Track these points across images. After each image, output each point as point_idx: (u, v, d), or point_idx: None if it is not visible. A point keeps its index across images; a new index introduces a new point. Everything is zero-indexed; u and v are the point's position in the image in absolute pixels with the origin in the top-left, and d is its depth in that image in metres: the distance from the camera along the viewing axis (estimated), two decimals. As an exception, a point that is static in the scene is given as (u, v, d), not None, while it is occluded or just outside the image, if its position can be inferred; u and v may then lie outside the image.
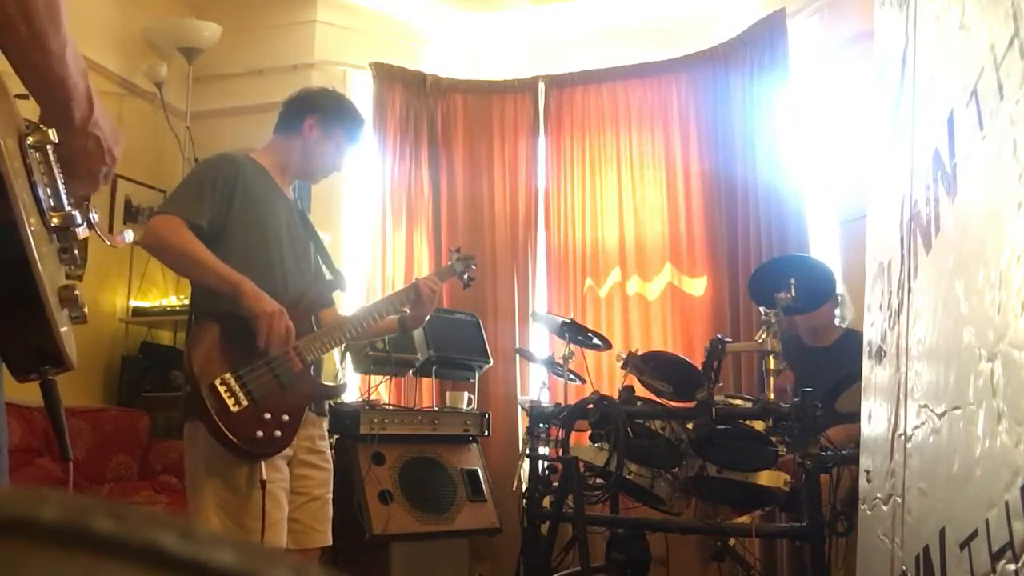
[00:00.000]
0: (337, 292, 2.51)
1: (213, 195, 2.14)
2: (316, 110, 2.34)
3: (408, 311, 2.48)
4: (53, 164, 0.98)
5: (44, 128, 0.96)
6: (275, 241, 2.24)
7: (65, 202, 1.01)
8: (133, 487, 3.77)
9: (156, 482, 3.83)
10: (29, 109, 0.99)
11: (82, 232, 1.05)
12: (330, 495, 2.32)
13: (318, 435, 2.31)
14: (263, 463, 2.05)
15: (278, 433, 2.07)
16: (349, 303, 3.89)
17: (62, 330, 0.96)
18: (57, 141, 0.97)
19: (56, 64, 0.95)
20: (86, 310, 1.02)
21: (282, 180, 2.36)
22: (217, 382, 2.01)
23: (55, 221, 0.98)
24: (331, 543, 2.33)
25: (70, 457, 1.07)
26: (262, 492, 2.02)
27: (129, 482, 3.85)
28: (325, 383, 2.32)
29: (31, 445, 3.45)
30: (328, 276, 2.43)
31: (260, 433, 2.03)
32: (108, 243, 1.20)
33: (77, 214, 1.02)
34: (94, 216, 1.10)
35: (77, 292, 0.99)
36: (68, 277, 1.05)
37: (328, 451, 2.35)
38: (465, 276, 2.70)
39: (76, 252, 1.04)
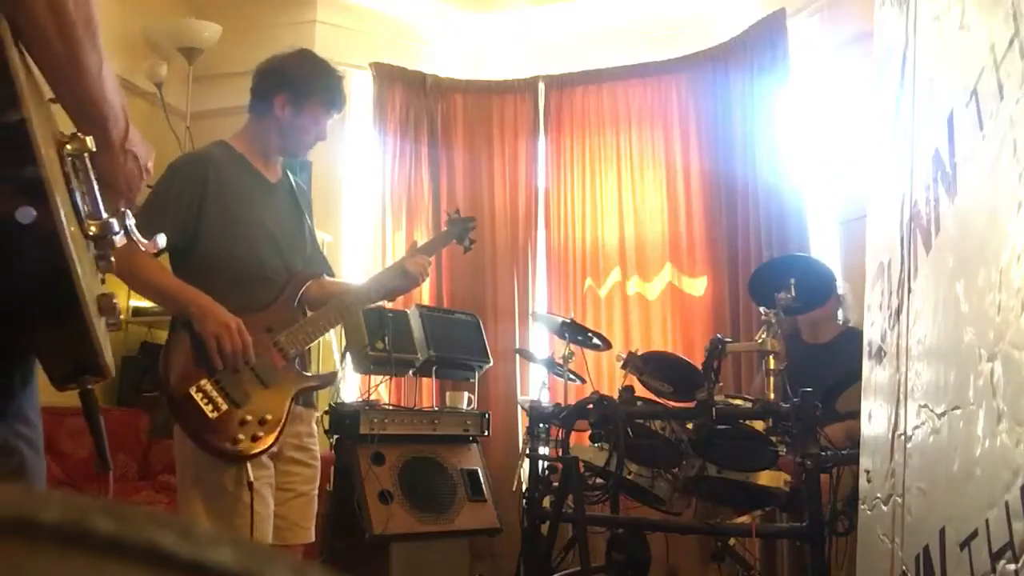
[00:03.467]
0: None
1: (177, 207, 2.06)
2: (285, 87, 2.20)
3: (396, 284, 2.38)
4: (90, 172, 0.97)
5: (82, 137, 0.95)
6: (253, 236, 2.17)
7: (102, 210, 1.00)
8: (133, 487, 3.77)
9: (156, 482, 3.83)
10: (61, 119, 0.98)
11: (119, 240, 1.03)
12: (315, 492, 2.28)
13: (305, 432, 2.26)
14: (248, 464, 2.02)
15: (260, 434, 2.04)
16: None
17: (102, 338, 0.96)
18: (93, 149, 0.96)
19: (92, 81, 0.95)
20: (122, 317, 1.02)
21: (264, 163, 2.26)
22: (192, 390, 1.98)
23: (93, 229, 0.97)
24: (314, 540, 2.29)
25: (110, 469, 1.07)
26: (250, 493, 2.00)
27: (129, 482, 3.85)
28: (310, 375, 2.24)
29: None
30: (316, 260, 2.37)
31: (241, 436, 2.00)
32: (144, 249, 1.20)
33: (114, 222, 1.01)
34: (130, 223, 1.08)
35: (116, 300, 0.99)
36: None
37: (316, 448, 2.30)
38: (466, 241, 2.57)
39: (112, 260, 1.03)
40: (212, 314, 2.01)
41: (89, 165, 0.97)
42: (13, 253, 0.87)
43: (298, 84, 2.21)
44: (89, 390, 0.99)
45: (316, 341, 2.25)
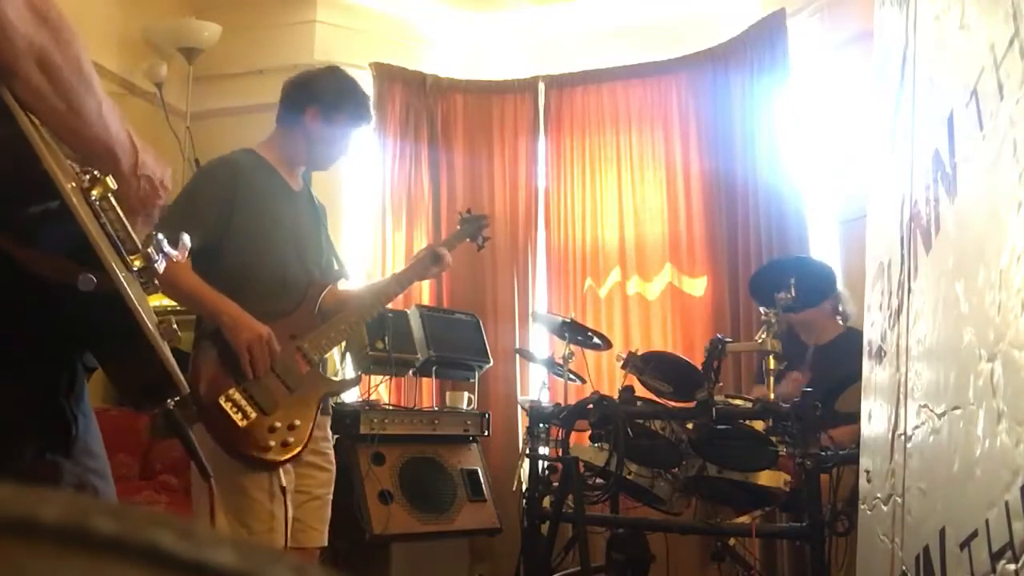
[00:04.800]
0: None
1: (208, 211, 2.09)
2: (316, 100, 2.26)
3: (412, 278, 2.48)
4: (117, 208, 0.99)
5: (102, 177, 0.96)
6: (278, 244, 2.21)
7: (138, 242, 1.02)
8: (133, 487, 3.76)
9: (156, 482, 3.83)
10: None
11: (161, 267, 1.06)
12: (330, 496, 2.31)
13: (322, 436, 2.29)
14: (281, 470, 2.05)
15: (291, 440, 2.07)
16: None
17: (170, 363, 1.00)
18: (115, 187, 0.98)
19: (95, 124, 0.96)
20: (179, 334, 1.06)
21: (289, 172, 2.30)
22: (222, 399, 2.00)
23: (137, 264, 1.00)
24: (326, 544, 2.31)
25: (210, 476, 1.17)
26: (283, 498, 2.03)
27: (129, 482, 3.85)
28: (334, 379, 2.30)
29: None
30: (334, 267, 2.42)
31: (272, 443, 2.03)
32: (177, 260, 1.22)
33: (152, 251, 1.04)
34: (166, 247, 1.11)
35: (175, 326, 1.03)
36: None
37: (331, 452, 2.34)
38: (479, 239, 2.63)
39: (156, 282, 1.06)
40: (244, 324, 2.04)
41: (115, 202, 0.99)
42: (80, 315, 0.91)
43: (330, 98, 2.27)
44: (171, 411, 1.04)
45: (337, 346, 2.28)
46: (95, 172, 0.96)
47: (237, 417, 2.00)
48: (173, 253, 1.14)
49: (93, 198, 0.94)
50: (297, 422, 2.09)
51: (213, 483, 1.22)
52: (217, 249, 2.11)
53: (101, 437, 1.07)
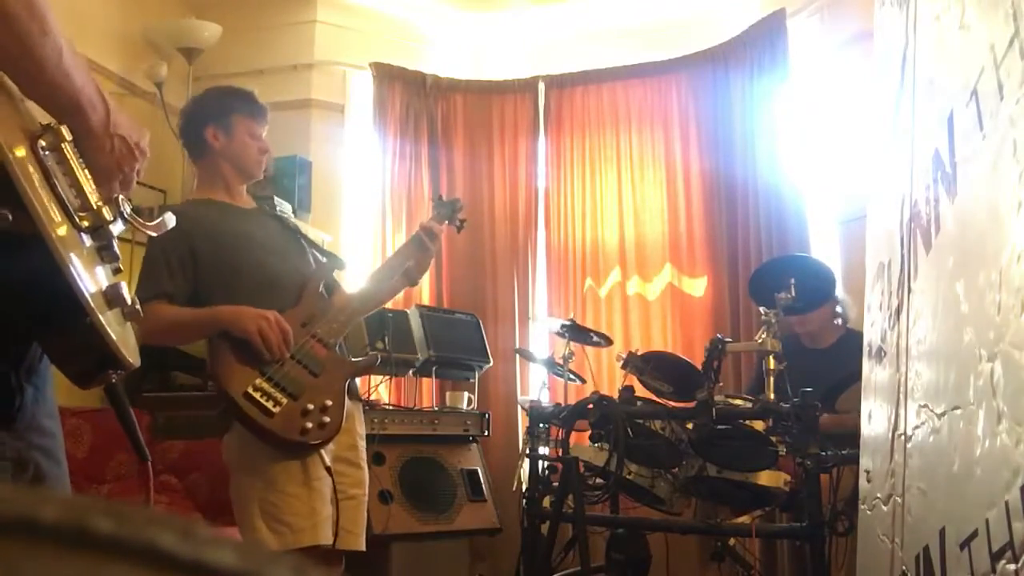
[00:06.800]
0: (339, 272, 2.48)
1: (170, 263, 2.11)
2: (207, 118, 2.28)
3: (412, 263, 2.43)
4: (73, 161, 0.95)
5: (55, 127, 0.92)
6: (255, 260, 2.21)
7: (92, 200, 0.97)
8: (133, 487, 3.76)
9: (156, 482, 3.82)
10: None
11: (116, 228, 1.01)
12: (366, 496, 2.29)
13: (358, 432, 2.29)
14: (323, 451, 2.05)
15: (326, 419, 2.07)
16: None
17: (115, 330, 0.93)
18: (71, 138, 0.94)
19: (53, 71, 0.91)
20: (138, 306, 1.00)
21: (233, 197, 2.31)
22: (250, 389, 2.00)
23: (86, 223, 0.95)
24: (364, 548, 2.26)
25: (147, 458, 1.07)
26: (323, 488, 2.03)
27: (129, 482, 3.85)
28: (356, 359, 2.28)
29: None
30: (324, 260, 2.42)
31: (309, 424, 2.04)
32: (150, 232, 1.16)
33: (106, 210, 0.99)
34: (126, 208, 1.05)
35: (123, 290, 0.97)
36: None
37: (363, 448, 2.32)
38: (456, 221, 2.59)
39: (115, 248, 1.01)
40: (247, 315, 2.06)
41: (71, 155, 0.95)
42: (2, 264, 0.84)
43: (216, 109, 2.30)
44: (113, 385, 0.99)
45: (352, 325, 2.29)
46: (51, 122, 0.92)
47: (269, 404, 2.00)
48: (144, 223, 1.10)
49: (40, 146, 0.89)
50: (329, 402, 2.09)
51: (151, 466, 1.16)
52: (201, 293, 2.14)
53: (59, 416, 1.02)
